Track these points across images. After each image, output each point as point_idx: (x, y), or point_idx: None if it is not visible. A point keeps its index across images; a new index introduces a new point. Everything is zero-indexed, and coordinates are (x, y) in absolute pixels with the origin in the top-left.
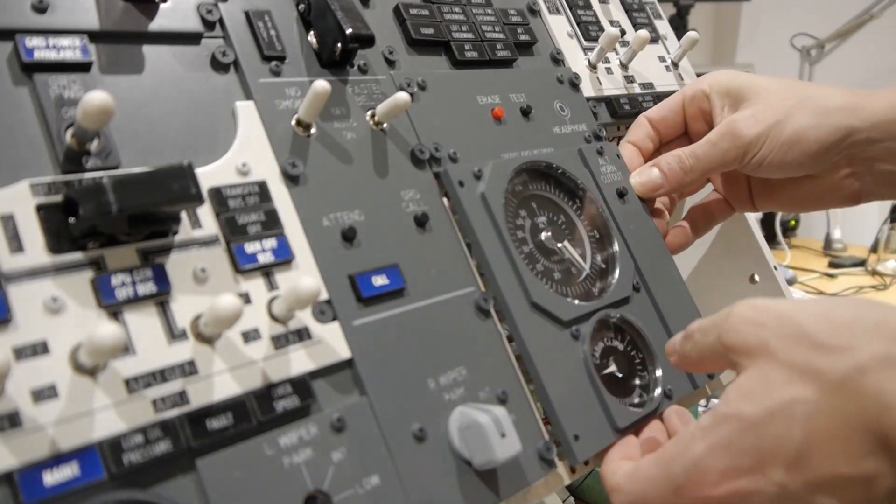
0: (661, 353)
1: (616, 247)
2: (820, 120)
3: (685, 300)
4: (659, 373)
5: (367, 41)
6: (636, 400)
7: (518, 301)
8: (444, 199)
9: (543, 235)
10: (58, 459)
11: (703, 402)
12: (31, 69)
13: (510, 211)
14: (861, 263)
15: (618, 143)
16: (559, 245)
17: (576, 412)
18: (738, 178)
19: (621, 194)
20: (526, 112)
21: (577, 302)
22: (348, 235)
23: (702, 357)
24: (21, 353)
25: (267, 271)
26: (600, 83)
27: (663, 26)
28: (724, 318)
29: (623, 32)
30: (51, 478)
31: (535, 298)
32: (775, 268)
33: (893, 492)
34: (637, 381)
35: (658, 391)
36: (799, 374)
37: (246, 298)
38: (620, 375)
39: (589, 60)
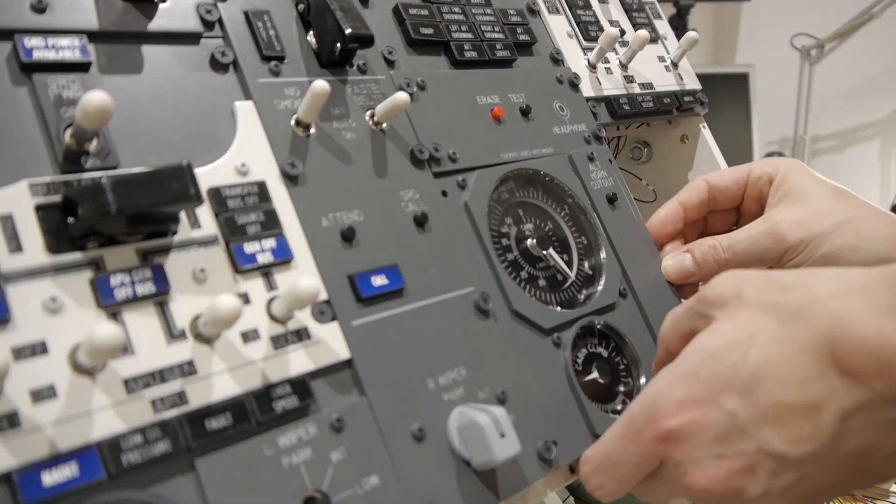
0: (646, 359)
1: (603, 253)
2: (862, 244)
3: (674, 306)
4: (643, 380)
5: (367, 41)
6: (619, 406)
7: (500, 308)
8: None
9: (529, 242)
10: (57, 459)
11: None
12: (30, 69)
13: (495, 218)
14: None
15: (620, 144)
16: (544, 252)
17: (554, 418)
18: None
19: (611, 200)
20: (525, 112)
21: (559, 309)
22: (348, 235)
23: (676, 327)
24: (20, 353)
25: (266, 271)
26: (600, 83)
27: (663, 26)
28: (705, 287)
29: (623, 32)
30: (50, 478)
31: (515, 306)
32: None
33: (843, 414)
34: (621, 388)
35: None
36: (763, 311)
37: (245, 298)
38: (603, 382)
39: (588, 60)
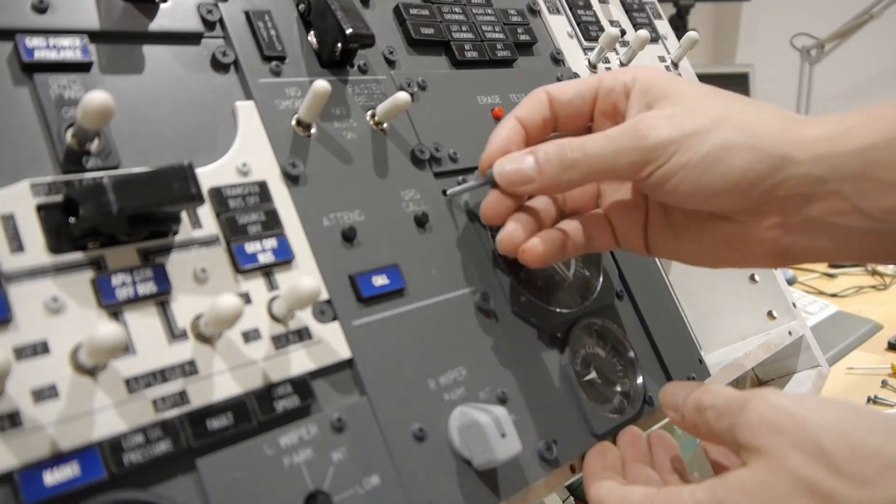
0: (643, 360)
1: (600, 255)
2: (750, 140)
3: (670, 308)
4: (640, 380)
5: (367, 41)
6: (616, 406)
7: (500, 308)
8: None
9: None
10: (58, 459)
11: None
12: (31, 69)
13: None
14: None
15: None
16: None
17: (554, 418)
18: (634, 200)
19: None
20: None
21: (558, 310)
22: (348, 235)
23: (712, 436)
24: (21, 352)
25: (267, 271)
26: None
27: (663, 26)
28: (739, 410)
29: (623, 32)
30: (51, 477)
31: (515, 306)
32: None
33: None
34: (618, 388)
35: (639, 398)
36: (807, 490)
37: (246, 298)
38: (601, 382)
39: (589, 60)
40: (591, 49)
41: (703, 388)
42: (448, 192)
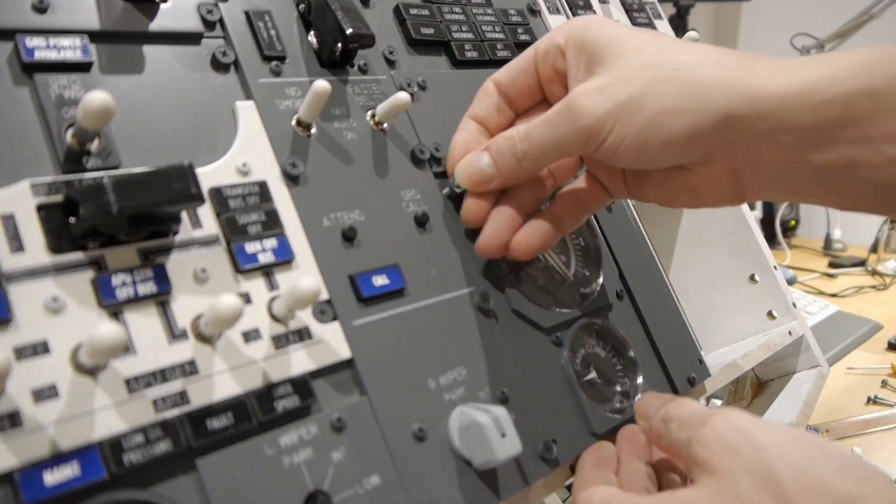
0: (643, 360)
1: (600, 255)
2: (688, 101)
3: (670, 308)
4: (640, 380)
5: (367, 41)
6: (616, 406)
7: (500, 307)
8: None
9: None
10: (58, 459)
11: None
12: (31, 69)
13: None
14: (861, 263)
15: None
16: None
17: (554, 417)
18: None
19: None
20: None
21: (558, 309)
22: (348, 235)
23: (671, 449)
24: (21, 352)
25: (267, 271)
26: None
27: (663, 26)
28: (699, 424)
29: None
30: (51, 477)
31: (515, 306)
32: (775, 268)
33: None
34: (618, 388)
35: (638, 398)
36: None
37: (246, 298)
38: (601, 382)
39: None
40: None
41: (674, 401)
42: (443, 192)
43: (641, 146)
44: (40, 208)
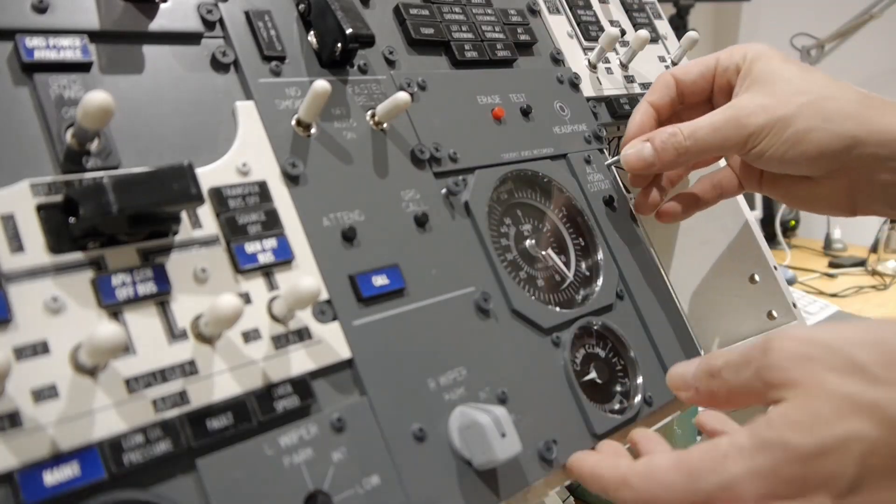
0: (643, 360)
1: (601, 255)
2: (826, 125)
3: (671, 308)
4: (640, 380)
5: (368, 41)
6: (616, 406)
7: (500, 307)
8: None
9: (527, 243)
10: (58, 459)
11: None
12: (31, 69)
13: (495, 219)
14: (861, 263)
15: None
16: (543, 253)
17: (554, 418)
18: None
19: (608, 202)
20: (526, 112)
21: (558, 309)
22: (348, 235)
23: (734, 395)
24: (21, 352)
25: (267, 271)
26: (600, 83)
27: (663, 26)
28: (761, 353)
29: (623, 32)
30: (51, 477)
31: (515, 306)
32: (775, 268)
33: None
34: (618, 388)
35: (638, 398)
36: (854, 408)
37: (246, 298)
38: (601, 382)
39: (589, 60)
40: (591, 49)
41: (709, 356)
42: (606, 163)
43: (783, 154)
44: (40, 208)
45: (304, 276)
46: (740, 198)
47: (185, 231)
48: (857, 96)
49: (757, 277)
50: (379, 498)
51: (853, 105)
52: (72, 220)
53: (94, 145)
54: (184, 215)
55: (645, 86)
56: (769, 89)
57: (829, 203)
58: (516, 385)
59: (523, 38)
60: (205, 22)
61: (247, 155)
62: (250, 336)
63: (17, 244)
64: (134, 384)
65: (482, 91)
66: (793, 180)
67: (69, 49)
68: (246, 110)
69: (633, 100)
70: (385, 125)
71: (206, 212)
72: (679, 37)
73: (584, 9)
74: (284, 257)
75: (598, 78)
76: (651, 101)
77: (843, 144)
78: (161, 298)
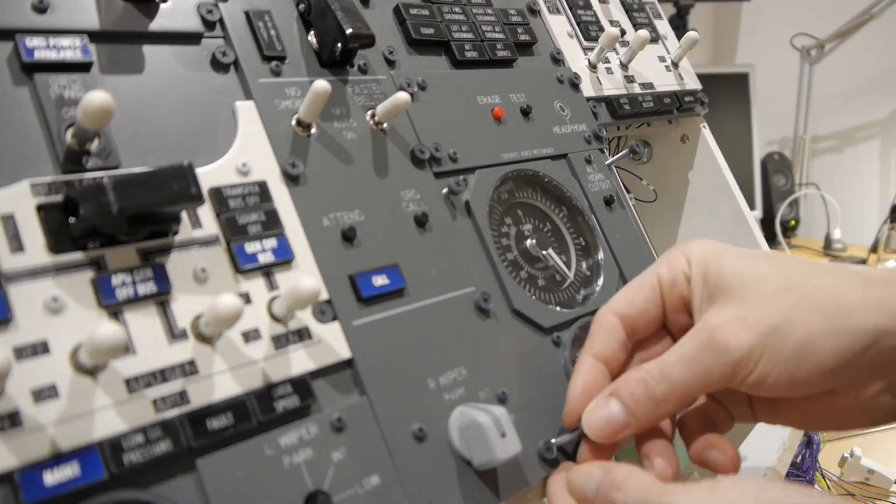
0: None
1: (601, 255)
2: (835, 323)
3: None
4: None
5: (368, 41)
6: None
7: (500, 307)
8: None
9: (528, 243)
10: (58, 459)
11: None
12: (31, 69)
13: (495, 218)
14: (861, 263)
15: (619, 144)
16: (543, 252)
17: (554, 417)
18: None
19: (608, 202)
20: (526, 112)
21: (559, 309)
22: (348, 235)
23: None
24: (21, 352)
25: (267, 271)
26: (600, 83)
27: (663, 26)
28: None
29: (623, 32)
30: (51, 477)
31: (515, 306)
32: None
33: None
34: None
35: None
36: None
37: (246, 298)
38: None
39: (589, 60)
40: (591, 49)
41: (611, 482)
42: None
43: (791, 375)
44: (40, 208)
45: (304, 276)
46: (740, 198)
47: (185, 231)
48: (855, 275)
49: None
50: (379, 498)
51: (853, 288)
52: (72, 220)
53: (94, 145)
54: (184, 215)
55: (645, 86)
56: (738, 295)
57: (867, 413)
58: (516, 385)
59: (523, 38)
60: (205, 22)
61: (247, 155)
62: (250, 336)
63: (17, 244)
64: (134, 384)
65: (482, 91)
66: (808, 399)
67: (69, 49)
68: (246, 110)
69: (633, 99)
70: (385, 125)
71: (206, 212)
72: (679, 37)
73: (584, 9)
74: (284, 257)
75: (598, 78)
76: (595, 354)
77: (865, 342)
78: (161, 298)
